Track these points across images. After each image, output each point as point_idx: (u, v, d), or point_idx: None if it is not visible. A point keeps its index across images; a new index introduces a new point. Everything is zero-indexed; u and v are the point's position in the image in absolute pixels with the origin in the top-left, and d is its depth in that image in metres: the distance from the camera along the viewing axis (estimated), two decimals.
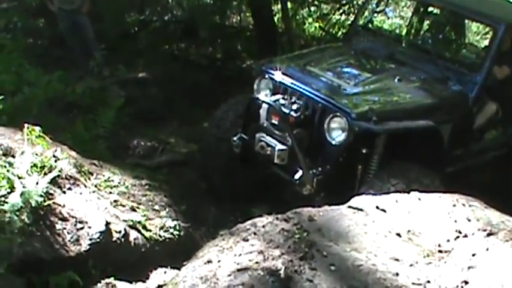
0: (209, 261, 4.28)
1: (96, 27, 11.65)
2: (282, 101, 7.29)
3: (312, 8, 14.72)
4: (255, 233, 4.52)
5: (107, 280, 5.23)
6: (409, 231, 4.77)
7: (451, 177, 7.26)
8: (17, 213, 4.96)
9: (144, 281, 5.67)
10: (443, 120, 7.36)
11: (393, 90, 7.46)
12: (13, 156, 5.60)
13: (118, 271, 5.40)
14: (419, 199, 5.25)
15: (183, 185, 8.08)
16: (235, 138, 7.71)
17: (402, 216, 4.97)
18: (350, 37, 9.20)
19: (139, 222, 6.01)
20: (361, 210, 5.00)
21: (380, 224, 4.80)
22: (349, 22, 13.16)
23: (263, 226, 4.60)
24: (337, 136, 6.92)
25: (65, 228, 5.26)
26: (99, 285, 5.18)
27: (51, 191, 5.42)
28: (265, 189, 8.14)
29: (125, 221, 5.88)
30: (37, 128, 6.00)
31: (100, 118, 8.71)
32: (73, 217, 5.39)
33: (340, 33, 14.24)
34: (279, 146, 7.20)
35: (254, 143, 7.48)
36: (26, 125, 5.96)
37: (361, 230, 4.67)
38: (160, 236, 6.19)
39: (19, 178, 5.25)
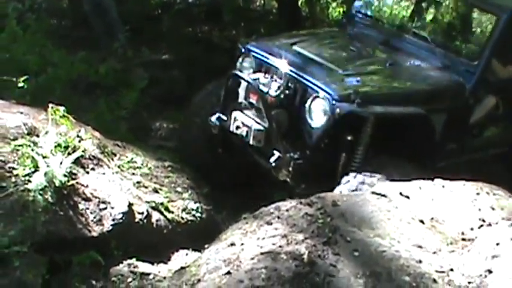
0: (232, 244, 4.28)
1: (120, 9, 11.63)
2: (262, 80, 6.92)
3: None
4: (278, 217, 4.51)
5: (129, 261, 5.24)
6: (432, 218, 4.76)
7: (442, 173, 6.53)
8: (41, 192, 5.00)
9: (165, 263, 5.68)
10: (436, 109, 6.92)
11: (382, 75, 7.13)
12: (37, 136, 5.62)
13: (140, 252, 5.42)
14: (443, 186, 5.24)
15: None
16: (212, 119, 7.25)
17: (426, 203, 4.96)
18: (346, 22, 8.78)
19: (161, 204, 6.02)
20: (384, 196, 4.98)
21: (403, 211, 4.79)
22: None
23: (287, 210, 4.59)
24: (318, 119, 6.50)
25: (88, 208, 5.29)
26: (121, 265, 5.19)
27: (74, 171, 5.45)
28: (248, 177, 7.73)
29: (147, 202, 5.90)
30: (61, 108, 6.02)
31: (123, 99, 8.69)
32: (96, 197, 5.41)
33: None
34: (256, 126, 6.78)
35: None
36: (50, 105, 5.97)
37: (385, 216, 4.66)
38: (182, 218, 6.20)
39: (43, 157, 5.28)
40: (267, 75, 6.97)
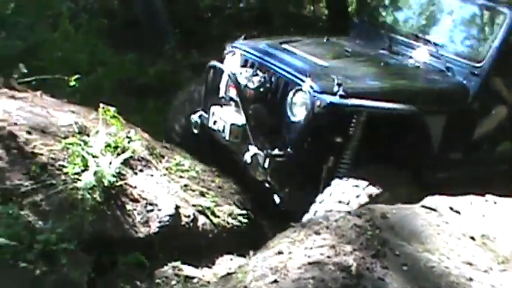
0: (280, 252, 4.25)
1: (170, 11, 11.70)
2: (243, 73, 6.51)
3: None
4: (327, 227, 4.47)
5: (174, 263, 5.27)
6: (483, 235, 4.68)
7: (442, 186, 6.07)
8: (90, 191, 5.05)
9: (210, 267, 5.67)
10: (432, 110, 6.35)
11: (374, 73, 6.60)
12: (87, 135, 5.67)
13: (185, 255, 5.44)
14: (495, 203, 5.17)
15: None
16: (194, 117, 6.92)
17: (476, 220, 4.89)
18: (352, 30, 8.31)
19: (208, 208, 6.01)
20: (434, 210, 4.92)
21: (453, 226, 4.72)
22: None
23: (335, 220, 4.54)
24: (298, 112, 6.04)
25: (135, 210, 5.31)
26: (165, 268, 5.22)
27: (123, 172, 5.48)
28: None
29: (194, 205, 5.90)
30: (112, 109, 6.06)
31: (172, 101, 8.72)
32: (144, 199, 5.43)
33: None
34: (232, 121, 6.33)
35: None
36: (101, 105, 6.01)
37: (434, 231, 4.59)
38: (228, 222, 6.17)
39: (93, 157, 5.32)
40: (248, 69, 6.62)
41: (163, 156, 6.39)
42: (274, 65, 6.45)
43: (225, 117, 6.43)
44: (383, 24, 7.89)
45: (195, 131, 6.96)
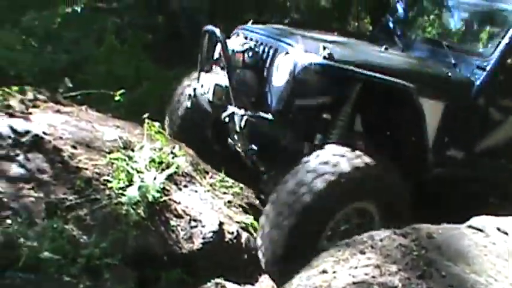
0: (324, 272, 4.21)
1: (214, 25, 11.73)
2: (235, 40, 6.36)
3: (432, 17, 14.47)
4: (372, 246, 4.42)
5: (217, 280, 5.23)
6: None
7: (438, 183, 6.19)
8: (134, 206, 5.06)
9: (253, 284, 5.64)
10: (429, 94, 5.92)
11: (370, 53, 6.26)
12: (132, 150, 5.70)
13: (227, 272, 5.41)
14: None
15: None
16: (188, 90, 6.85)
17: None
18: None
19: (251, 225, 6.00)
20: (481, 230, 4.83)
21: (501, 247, 4.63)
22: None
23: (380, 240, 4.49)
24: (282, 76, 5.74)
25: (179, 225, 5.32)
26: (208, 284, 5.18)
27: (167, 187, 5.50)
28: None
29: (237, 222, 5.89)
30: (156, 124, 6.08)
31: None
32: (187, 215, 5.44)
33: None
34: (217, 81, 6.13)
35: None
36: (146, 120, 6.03)
37: (481, 252, 4.51)
38: None
39: (137, 172, 5.34)
40: (242, 39, 6.39)
41: (207, 172, 6.40)
42: (268, 36, 6.27)
43: (212, 80, 6.25)
44: (398, 29, 7.71)
45: (188, 105, 6.84)
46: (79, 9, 10.15)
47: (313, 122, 5.77)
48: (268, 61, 6.00)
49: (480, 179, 6.59)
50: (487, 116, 6.41)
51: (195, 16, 11.41)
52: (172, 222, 5.29)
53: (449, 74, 6.22)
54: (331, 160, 5.23)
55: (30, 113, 5.91)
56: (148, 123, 6.05)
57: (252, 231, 5.95)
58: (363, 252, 4.35)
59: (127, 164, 5.41)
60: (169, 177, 5.52)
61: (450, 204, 6.31)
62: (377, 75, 5.62)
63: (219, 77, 6.24)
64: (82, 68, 9.08)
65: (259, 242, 5.34)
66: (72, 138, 5.62)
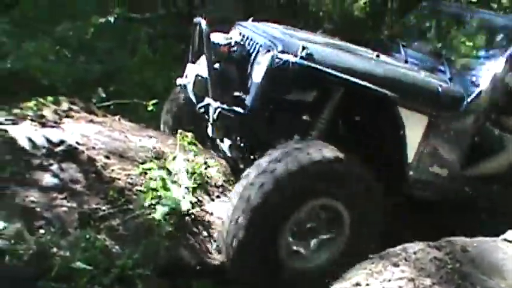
0: (357, 284, 4.17)
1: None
2: (221, 34, 6.12)
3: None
4: (406, 259, 4.37)
5: None
6: None
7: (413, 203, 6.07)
8: (166, 217, 5.05)
9: None
10: (411, 106, 5.65)
11: (359, 59, 5.85)
12: (165, 160, 5.70)
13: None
14: None
15: None
16: (179, 80, 6.63)
17: None
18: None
19: None
20: None
21: None
22: None
23: (414, 253, 4.45)
24: (260, 72, 5.56)
25: (211, 236, 5.30)
26: None
27: (200, 198, 5.49)
28: None
29: None
30: (189, 135, 6.07)
31: None
32: (219, 225, 5.41)
33: None
34: (199, 72, 6.02)
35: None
36: (179, 131, 6.03)
37: None
38: None
39: (170, 182, 5.33)
40: (227, 34, 6.26)
41: None
42: (256, 33, 6.07)
43: (194, 71, 6.14)
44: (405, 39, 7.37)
45: (181, 96, 6.81)
46: (112, 20, 10.22)
47: (290, 122, 5.68)
48: (253, 57, 5.86)
49: (469, 201, 6.33)
50: (477, 133, 6.14)
51: (227, 26, 11.42)
52: (205, 233, 5.29)
53: (439, 88, 5.93)
54: (292, 152, 5.04)
55: (64, 123, 5.95)
56: (181, 133, 6.05)
57: None
58: (396, 265, 4.31)
59: (160, 175, 5.41)
60: (202, 188, 5.50)
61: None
62: (355, 80, 5.40)
63: (201, 68, 6.12)
64: (115, 78, 9.14)
65: (219, 234, 5.20)
66: (105, 148, 5.65)
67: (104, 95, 7.94)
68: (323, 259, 5.26)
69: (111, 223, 4.88)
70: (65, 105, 6.54)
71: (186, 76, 6.37)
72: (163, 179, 5.35)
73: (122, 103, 7.72)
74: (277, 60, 5.41)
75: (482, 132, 6.16)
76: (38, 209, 4.71)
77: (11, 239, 4.41)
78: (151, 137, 6.31)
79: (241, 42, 6.03)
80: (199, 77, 6.01)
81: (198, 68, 6.16)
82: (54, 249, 4.45)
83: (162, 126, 7.23)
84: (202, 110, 5.82)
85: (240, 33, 6.24)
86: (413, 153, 5.78)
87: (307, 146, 5.11)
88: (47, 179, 5.03)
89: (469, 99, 5.95)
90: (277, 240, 4.97)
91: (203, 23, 5.98)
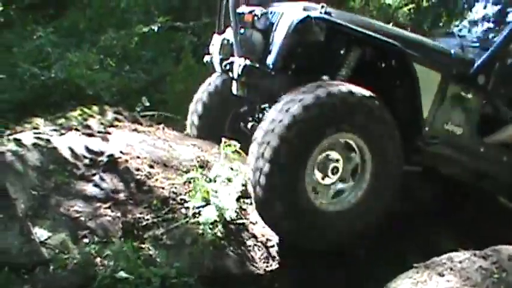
0: None
1: None
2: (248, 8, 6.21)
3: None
4: (451, 269, 4.32)
5: None
6: None
7: (436, 158, 6.18)
8: (211, 226, 5.05)
9: None
10: (425, 63, 5.95)
11: (375, 22, 6.29)
12: (209, 169, 5.68)
13: None
14: None
15: None
16: (206, 57, 6.76)
17: None
18: None
19: None
20: None
21: None
22: None
23: (460, 262, 4.39)
24: (282, 32, 5.74)
25: (256, 245, 5.28)
26: None
27: (244, 207, 5.45)
28: None
29: None
30: (234, 143, 6.05)
31: None
32: (263, 235, 5.39)
33: None
34: (226, 37, 6.32)
35: None
36: (223, 139, 6.02)
37: None
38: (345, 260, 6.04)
39: (214, 192, 5.31)
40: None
41: None
42: (280, 6, 6.21)
43: (221, 38, 6.38)
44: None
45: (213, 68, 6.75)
46: (156, 29, 10.25)
47: (312, 78, 5.63)
48: (275, 24, 5.96)
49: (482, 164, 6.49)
50: (487, 96, 6.38)
51: None
52: (249, 242, 5.26)
53: (452, 51, 6.28)
54: (310, 89, 5.22)
55: (108, 133, 5.97)
56: (225, 142, 6.03)
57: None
58: (441, 275, 4.27)
59: (204, 184, 5.40)
60: (246, 197, 5.47)
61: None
62: (371, 33, 5.62)
63: (227, 34, 6.35)
64: (160, 87, 9.17)
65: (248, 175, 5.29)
66: (149, 157, 5.67)
67: (148, 104, 7.96)
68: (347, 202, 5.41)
69: (154, 232, 4.89)
70: (109, 115, 6.58)
71: (213, 45, 6.55)
72: (207, 188, 5.34)
73: (165, 114, 7.77)
74: (298, 17, 5.59)
75: (494, 98, 6.44)
76: (82, 219, 4.74)
77: (55, 249, 4.44)
78: (194, 146, 6.30)
79: (265, 13, 6.09)
80: (226, 41, 6.26)
81: (224, 36, 6.38)
82: (98, 259, 4.47)
83: (188, 127, 7.29)
84: (227, 67, 5.98)
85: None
86: (428, 110, 6.04)
87: (328, 84, 5.33)
88: (91, 189, 5.06)
89: (478, 63, 6.18)
90: (298, 181, 5.06)
91: None
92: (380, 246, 6.37)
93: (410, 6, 13.82)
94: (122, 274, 4.40)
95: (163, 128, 6.76)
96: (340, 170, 5.38)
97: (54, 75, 8.02)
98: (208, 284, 4.79)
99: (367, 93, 5.36)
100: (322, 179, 5.32)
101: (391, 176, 5.51)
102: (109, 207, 4.93)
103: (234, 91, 6.10)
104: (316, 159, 5.20)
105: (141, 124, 6.68)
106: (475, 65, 6.21)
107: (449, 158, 6.28)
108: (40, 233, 4.54)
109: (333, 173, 5.33)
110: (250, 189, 5.25)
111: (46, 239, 4.48)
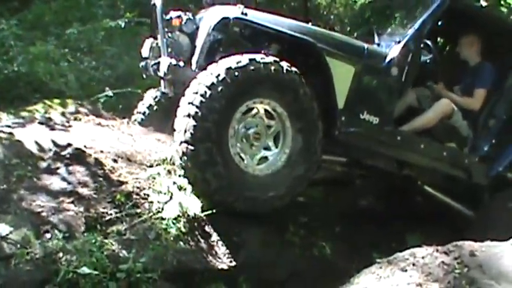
0: None
1: None
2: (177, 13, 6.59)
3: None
4: (413, 264, 4.36)
5: None
6: None
7: (353, 144, 6.50)
8: (174, 221, 5.03)
9: None
10: (339, 57, 6.31)
11: (290, 21, 6.39)
12: (173, 164, 5.65)
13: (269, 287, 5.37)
14: None
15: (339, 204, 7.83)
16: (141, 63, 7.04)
17: None
18: None
19: (292, 242, 5.90)
20: None
21: None
22: None
23: (422, 257, 4.44)
24: (203, 33, 6.20)
25: (219, 240, 5.27)
26: None
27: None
28: None
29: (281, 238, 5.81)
30: None
31: None
32: (227, 230, 5.38)
33: None
34: (154, 41, 6.69)
35: None
36: None
37: None
38: (313, 255, 6.04)
39: (178, 186, 5.30)
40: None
41: None
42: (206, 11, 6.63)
43: (151, 41, 6.74)
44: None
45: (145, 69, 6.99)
46: (122, 24, 10.20)
47: None
48: (200, 26, 6.36)
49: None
50: (402, 88, 6.75)
51: None
52: (213, 238, 5.26)
53: (365, 46, 6.61)
54: (231, 59, 5.56)
55: (72, 126, 5.93)
56: None
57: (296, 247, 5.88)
58: (404, 270, 4.31)
59: (168, 178, 5.39)
60: None
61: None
62: (284, 30, 6.04)
63: (157, 39, 6.57)
64: (125, 82, 9.12)
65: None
66: (112, 151, 5.63)
67: (111, 95, 7.93)
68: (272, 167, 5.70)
69: (118, 227, 4.85)
70: (72, 108, 6.53)
71: (144, 49, 6.83)
72: (171, 183, 5.32)
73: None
74: (217, 17, 6.06)
75: (408, 88, 6.97)
76: (44, 214, 4.69)
77: (17, 244, 4.39)
78: (159, 141, 6.28)
79: (192, 18, 6.49)
80: (154, 44, 6.65)
81: (154, 40, 6.73)
82: (61, 254, 4.42)
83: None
84: (155, 67, 6.41)
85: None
86: (344, 101, 6.36)
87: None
88: (55, 183, 5.02)
89: (390, 56, 6.58)
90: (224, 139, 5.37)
91: (158, 1, 6.50)
92: (345, 242, 6.44)
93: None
94: (85, 269, 4.35)
95: (128, 122, 6.73)
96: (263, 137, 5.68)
97: (17, 68, 7.96)
98: (172, 279, 4.77)
99: (287, 66, 5.69)
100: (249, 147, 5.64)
101: (311, 142, 5.79)
102: (72, 202, 4.87)
103: (162, 89, 6.54)
104: (237, 125, 5.54)
105: (105, 118, 6.64)
106: (388, 57, 6.57)
107: (367, 147, 6.59)
108: (1, 228, 4.47)
109: (255, 140, 5.64)
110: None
111: (7, 234, 4.42)
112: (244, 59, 5.51)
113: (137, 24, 10.70)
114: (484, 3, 12.23)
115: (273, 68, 5.57)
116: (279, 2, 14.85)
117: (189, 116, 5.27)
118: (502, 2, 13.26)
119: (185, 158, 5.31)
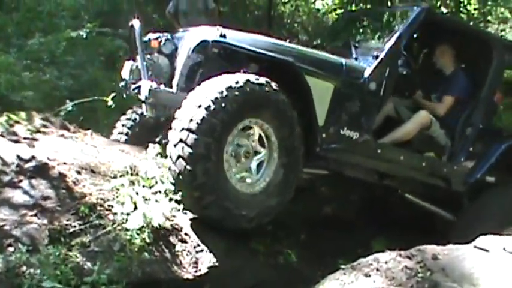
0: None
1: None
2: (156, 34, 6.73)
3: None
4: (377, 269, 4.41)
5: None
6: None
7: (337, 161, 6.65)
8: (138, 232, 5.02)
9: None
10: (317, 75, 6.40)
11: (268, 40, 6.56)
12: (137, 175, 5.65)
13: None
14: None
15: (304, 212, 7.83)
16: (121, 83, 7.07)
17: None
18: None
19: (257, 250, 5.95)
20: (486, 251, 4.81)
21: (506, 267, 4.60)
22: None
23: (385, 262, 4.48)
24: (183, 55, 6.32)
25: (184, 250, 5.27)
26: None
27: (172, 212, 5.43)
28: None
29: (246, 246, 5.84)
30: (158, 146, 6.05)
31: None
32: (192, 240, 5.38)
33: None
34: (134, 63, 6.65)
35: None
36: (150, 145, 6.01)
37: (486, 272, 4.49)
38: (277, 262, 6.07)
39: (142, 197, 5.29)
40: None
41: None
42: (185, 31, 6.78)
43: (131, 64, 6.70)
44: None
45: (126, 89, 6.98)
46: (84, 34, 10.17)
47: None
48: (179, 47, 6.48)
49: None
50: (381, 102, 6.90)
51: None
52: (178, 247, 5.25)
53: (343, 62, 6.70)
54: (222, 80, 5.58)
55: (35, 139, 5.90)
56: (154, 147, 6.01)
57: (260, 256, 5.89)
58: (368, 275, 4.35)
59: (132, 189, 5.37)
60: (175, 202, 5.45)
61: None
62: (261, 51, 6.09)
63: (136, 61, 6.58)
64: (88, 92, 9.07)
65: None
66: (76, 163, 5.60)
67: (70, 109, 7.89)
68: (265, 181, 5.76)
69: (82, 239, 4.82)
70: (36, 121, 6.49)
71: (124, 70, 6.82)
72: (135, 194, 5.31)
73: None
74: (196, 39, 6.16)
75: (386, 101, 7.12)
76: (7, 227, 4.65)
77: None
78: (123, 151, 6.27)
79: (171, 38, 6.60)
80: (134, 66, 6.58)
81: (134, 62, 6.69)
82: (24, 268, 4.39)
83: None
84: (136, 91, 6.36)
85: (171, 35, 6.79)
86: (324, 118, 6.48)
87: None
88: (17, 196, 4.98)
89: (368, 71, 6.70)
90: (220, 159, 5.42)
91: (136, 23, 6.53)
92: (310, 249, 6.47)
93: (339, 12, 13.98)
94: (49, 283, 4.34)
95: (91, 134, 6.71)
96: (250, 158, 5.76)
97: None
98: None
99: (273, 86, 5.72)
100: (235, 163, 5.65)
101: (290, 179, 5.85)
102: (35, 215, 4.84)
103: (144, 112, 6.45)
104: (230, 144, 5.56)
105: (68, 130, 6.61)
106: (366, 73, 6.68)
107: (348, 161, 6.72)
108: None
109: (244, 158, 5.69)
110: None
111: None
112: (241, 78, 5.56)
113: (99, 34, 10.68)
114: (444, 10, 12.42)
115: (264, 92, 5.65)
116: (242, 10, 14.89)
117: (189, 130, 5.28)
118: (462, 9, 13.46)
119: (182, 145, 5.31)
